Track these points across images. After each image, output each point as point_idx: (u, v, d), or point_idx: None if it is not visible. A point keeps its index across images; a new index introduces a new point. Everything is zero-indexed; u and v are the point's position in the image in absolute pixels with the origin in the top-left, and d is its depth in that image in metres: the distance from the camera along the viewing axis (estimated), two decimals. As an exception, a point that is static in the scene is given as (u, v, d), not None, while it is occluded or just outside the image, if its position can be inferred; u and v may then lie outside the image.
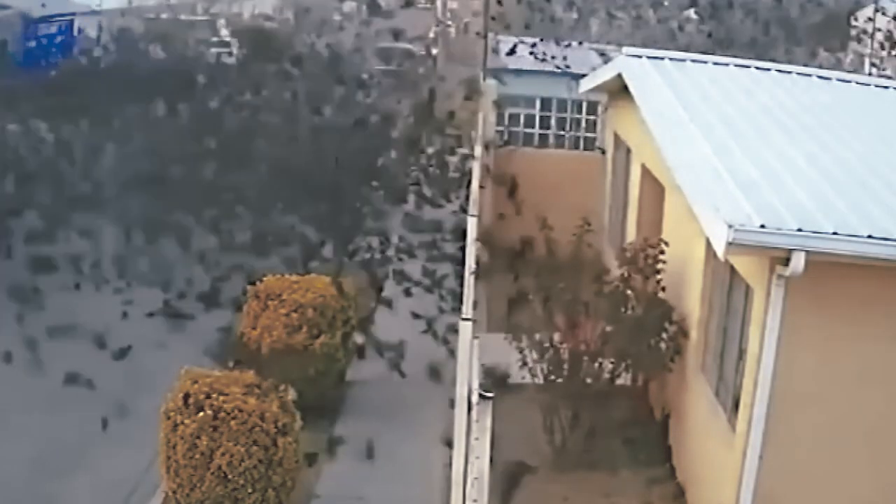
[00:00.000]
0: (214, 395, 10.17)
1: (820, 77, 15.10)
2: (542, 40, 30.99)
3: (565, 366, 12.11)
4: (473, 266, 12.81)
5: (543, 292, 12.46)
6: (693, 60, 14.93)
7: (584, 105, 26.38)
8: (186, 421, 10.01)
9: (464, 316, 10.23)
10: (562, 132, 27.07)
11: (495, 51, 28.64)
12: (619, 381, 12.35)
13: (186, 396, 10.17)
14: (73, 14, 45.44)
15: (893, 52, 28.13)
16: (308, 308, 13.14)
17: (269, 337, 12.90)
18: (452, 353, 14.77)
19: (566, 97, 26.06)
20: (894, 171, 10.75)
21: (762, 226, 8.67)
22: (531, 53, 29.24)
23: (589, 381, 12.09)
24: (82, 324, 14.62)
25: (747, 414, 9.33)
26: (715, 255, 9.44)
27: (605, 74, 17.43)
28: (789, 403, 9.17)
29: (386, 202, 19.44)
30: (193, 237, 19.30)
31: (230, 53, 57.64)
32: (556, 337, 12.16)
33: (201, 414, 10.00)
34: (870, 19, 30.18)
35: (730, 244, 8.62)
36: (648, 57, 14.89)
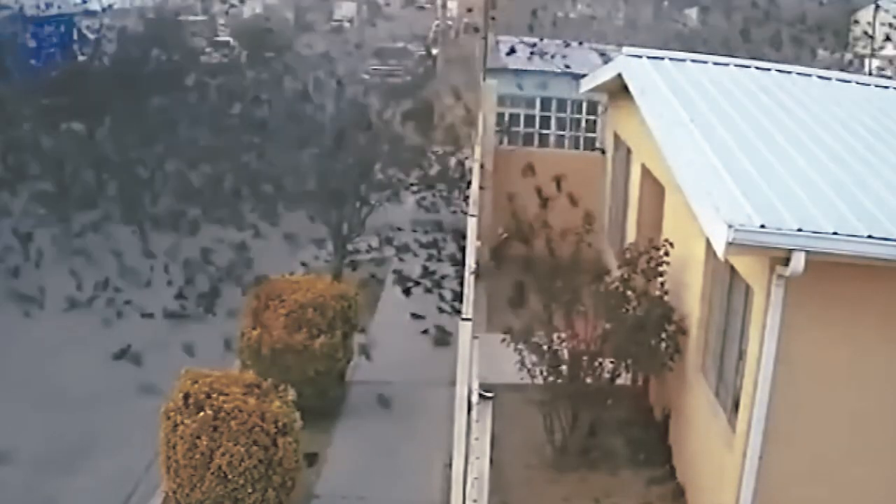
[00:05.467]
0: (214, 395, 10.17)
1: (820, 77, 15.09)
2: (542, 40, 31.04)
3: (565, 366, 12.12)
4: (473, 266, 12.80)
5: (543, 292, 12.47)
6: (693, 60, 14.92)
7: (584, 105, 26.37)
8: (186, 421, 10.01)
9: (464, 316, 10.23)
10: (562, 132, 27.06)
11: (497, 51, 28.67)
12: (619, 381, 12.36)
13: (186, 396, 10.17)
14: (74, 14, 45.40)
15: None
16: (308, 308, 13.14)
17: (269, 337, 12.90)
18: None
19: (566, 97, 26.05)
20: (894, 171, 10.76)
21: (762, 226, 8.67)
22: (532, 53, 29.28)
23: (589, 381, 12.09)
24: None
25: (747, 414, 9.32)
26: (715, 255, 9.44)
27: (605, 74, 17.43)
28: (789, 404, 9.17)
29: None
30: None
31: (231, 53, 57.57)
32: (556, 337, 12.16)
33: (201, 414, 9.99)
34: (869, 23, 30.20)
35: (730, 244, 8.62)
36: (648, 57, 14.89)
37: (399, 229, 22.18)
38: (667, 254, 12.34)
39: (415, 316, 17.42)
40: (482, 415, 9.13)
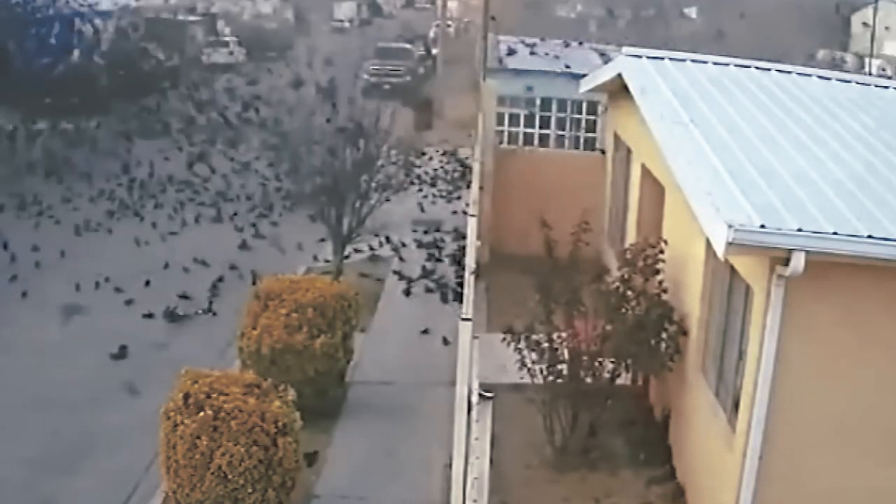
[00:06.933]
0: (214, 395, 10.16)
1: (820, 77, 15.09)
2: (542, 40, 31.05)
3: (565, 365, 12.12)
4: (473, 265, 12.81)
5: (543, 292, 12.46)
6: (693, 60, 14.91)
7: (584, 105, 26.36)
8: (186, 421, 10.00)
9: (464, 316, 10.24)
10: (562, 132, 27.07)
11: (497, 51, 28.71)
12: (619, 381, 12.36)
13: (186, 396, 10.16)
14: (74, 13, 45.31)
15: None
16: (308, 308, 13.14)
17: (269, 337, 12.90)
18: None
19: (566, 97, 26.05)
20: (894, 171, 10.76)
21: (762, 226, 8.67)
22: (532, 53, 29.29)
23: (589, 380, 12.09)
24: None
25: (747, 414, 9.33)
26: (715, 255, 9.45)
27: (605, 74, 17.42)
28: (789, 404, 9.18)
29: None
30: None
31: (231, 52, 57.62)
32: (556, 337, 12.16)
33: (201, 414, 9.99)
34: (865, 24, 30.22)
35: (730, 244, 8.62)
36: (648, 57, 14.89)
37: (398, 230, 22.24)
38: (662, 251, 12.34)
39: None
40: (482, 415, 9.13)
